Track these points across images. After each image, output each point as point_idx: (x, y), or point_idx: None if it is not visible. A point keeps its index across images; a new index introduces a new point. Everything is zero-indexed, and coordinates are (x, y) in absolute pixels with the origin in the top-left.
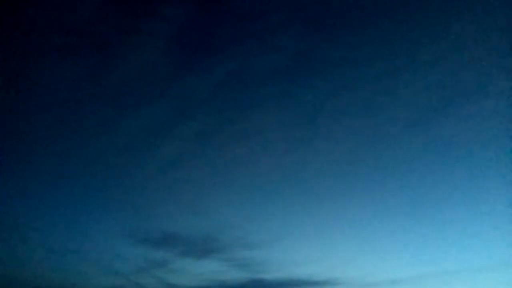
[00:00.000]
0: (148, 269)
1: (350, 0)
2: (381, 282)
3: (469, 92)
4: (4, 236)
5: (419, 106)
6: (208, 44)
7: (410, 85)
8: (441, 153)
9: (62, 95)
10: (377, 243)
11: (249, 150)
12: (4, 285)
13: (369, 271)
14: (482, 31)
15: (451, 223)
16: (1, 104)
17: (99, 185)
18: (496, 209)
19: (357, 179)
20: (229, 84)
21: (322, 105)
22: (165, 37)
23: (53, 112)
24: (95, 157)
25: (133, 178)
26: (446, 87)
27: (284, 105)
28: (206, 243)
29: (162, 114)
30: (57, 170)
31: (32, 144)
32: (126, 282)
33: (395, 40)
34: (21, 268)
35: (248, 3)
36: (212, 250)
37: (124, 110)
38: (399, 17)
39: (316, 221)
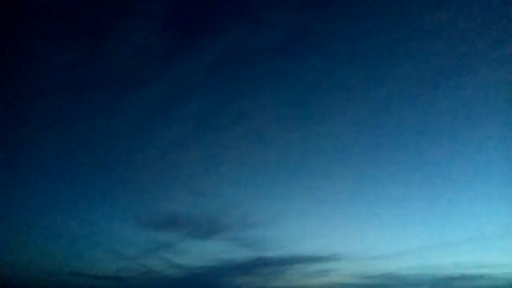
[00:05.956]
0: (154, 251)
1: None
2: (384, 255)
3: (468, 62)
4: (12, 224)
5: (417, 78)
6: (202, 23)
7: (408, 57)
8: (441, 124)
9: (56, 81)
10: (379, 217)
11: (248, 129)
12: (13, 270)
13: (372, 245)
14: (479, 1)
15: (453, 195)
16: None
17: (102, 170)
18: (497, 179)
19: (357, 154)
20: (224, 63)
21: (320, 82)
22: (159, 17)
23: (49, 99)
24: (96, 143)
25: (135, 162)
26: (445, 57)
27: (281, 83)
28: (210, 224)
29: (159, 97)
30: (59, 157)
31: (32, 133)
32: (133, 265)
33: (392, 13)
34: (29, 254)
35: None
36: (216, 230)
37: (120, 94)
38: None
39: (317, 197)
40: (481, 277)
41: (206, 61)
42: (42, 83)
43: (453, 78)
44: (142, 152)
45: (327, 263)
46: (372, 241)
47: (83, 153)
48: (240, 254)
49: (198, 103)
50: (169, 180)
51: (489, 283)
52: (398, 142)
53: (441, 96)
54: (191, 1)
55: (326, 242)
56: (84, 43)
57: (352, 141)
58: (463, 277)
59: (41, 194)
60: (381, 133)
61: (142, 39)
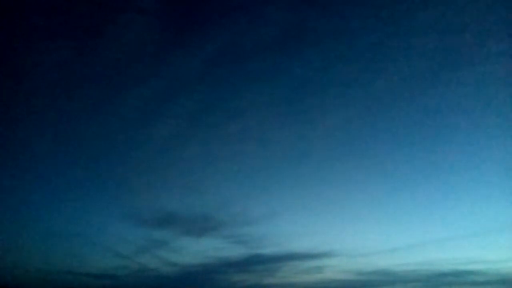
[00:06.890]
0: (150, 249)
1: None
2: (378, 252)
3: (465, 57)
4: (7, 222)
5: (414, 73)
6: (197, 19)
7: (404, 52)
8: (438, 120)
9: (49, 79)
10: (373, 214)
11: (243, 126)
12: (9, 269)
13: (366, 242)
14: None
15: (446, 193)
16: None
17: (97, 169)
18: (494, 173)
19: (352, 151)
20: (219, 60)
21: (315, 78)
22: (152, 13)
23: (43, 97)
24: (90, 141)
25: (130, 160)
26: (441, 53)
27: (277, 80)
28: (205, 221)
29: (154, 94)
30: (54, 156)
31: (28, 131)
32: (129, 263)
33: (388, 8)
34: (24, 252)
35: None
36: (211, 228)
37: (114, 92)
38: None
39: (312, 195)
40: (473, 272)
41: (201, 58)
42: (35, 82)
43: (449, 73)
44: (136, 150)
45: (322, 260)
46: (366, 238)
47: (77, 151)
48: (235, 251)
49: (193, 100)
50: (164, 178)
51: (481, 279)
52: (393, 139)
53: (437, 92)
54: None
55: (320, 239)
56: (77, 40)
57: (347, 138)
58: (456, 273)
59: (36, 193)
60: (376, 130)
61: (136, 36)
